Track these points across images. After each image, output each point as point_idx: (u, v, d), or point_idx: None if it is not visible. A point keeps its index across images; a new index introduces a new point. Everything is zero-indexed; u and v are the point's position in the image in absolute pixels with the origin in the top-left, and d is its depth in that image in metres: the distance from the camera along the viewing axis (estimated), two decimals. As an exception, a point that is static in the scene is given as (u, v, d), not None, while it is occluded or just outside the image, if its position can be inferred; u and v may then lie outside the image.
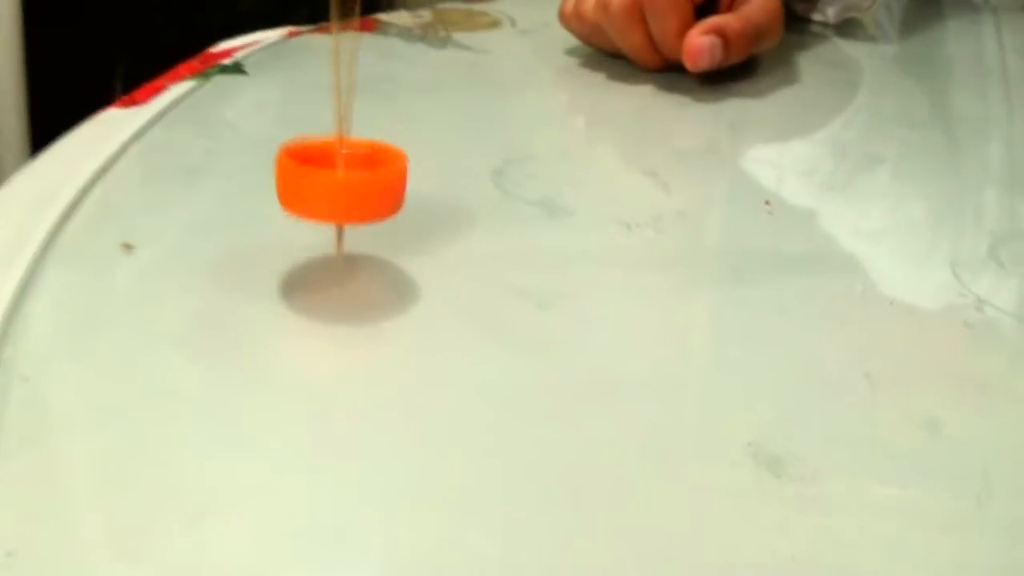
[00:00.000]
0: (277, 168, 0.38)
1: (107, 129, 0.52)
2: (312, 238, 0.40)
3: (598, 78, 0.63)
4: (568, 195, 0.47)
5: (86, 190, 0.46)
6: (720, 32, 0.60)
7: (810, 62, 0.69)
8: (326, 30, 0.70)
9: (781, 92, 0.63)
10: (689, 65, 0.60)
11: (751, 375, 0.36)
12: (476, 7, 0.75)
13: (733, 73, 0.63)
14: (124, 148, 0.50)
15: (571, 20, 0.65)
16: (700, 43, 0.60)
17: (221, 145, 0.52)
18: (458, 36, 0.69)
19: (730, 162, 0.55)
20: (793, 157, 0.56)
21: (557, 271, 0.42)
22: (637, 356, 0.37)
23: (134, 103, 0.57)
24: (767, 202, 0.48)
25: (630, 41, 0.62)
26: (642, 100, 0.60)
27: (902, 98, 0.68)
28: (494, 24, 0.72)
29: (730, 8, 0.63)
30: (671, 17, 0.60)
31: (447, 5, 0.75)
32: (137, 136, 0.51)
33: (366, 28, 0.70)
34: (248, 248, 0.42)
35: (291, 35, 0.69)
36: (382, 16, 0.72)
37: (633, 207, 0.47)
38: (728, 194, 0.50)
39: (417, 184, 0.39)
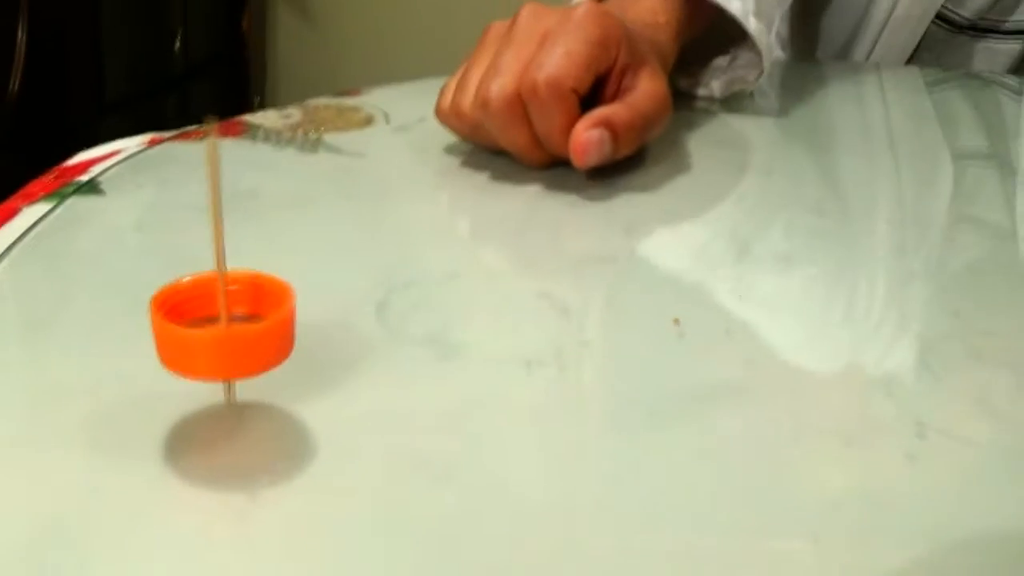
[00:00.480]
0: (153, 326, 0.34)
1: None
2: (190, 389, 0.36)
3: (481, 179, 0.59)
4: (458, 328, 0.43)
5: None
6: (608, 125, 0.57)
7: (699, 143, 0.67)
8: (189, 136, 0.65)
9: (673, 182, 0.61)
10: (577, 162, 0.57)
11: (683, 544, 0.33)
12: (347, 101, 0.71)
13: (623, 164, 0.60)
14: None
15: (449, 117, 0.61)
16: (587, 139, 0.56)
17: (75, 287, 0.47)
18: (330, 137, 0.65)
19: (629, 272, 0.51)
20: (693, 259, 0.53)
21: (453, 429, 0.38)
22: (549, 531, 0.33)
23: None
24: (675, 320, 0.45)
25: (513, 139, 0.58)
26: (529, 203, 0.57)
27: (793, 173, 0.66)
28: (367, 121, 0.68)
29: (616, 95, 0.60)
30: (555, 112, 0.56)
31: (317, 101, 0.71)
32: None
33: (232, 132, 0.66)
34: (116, 412, 0.38)
35: (152, 143, 0.65)
36: (248, 117, 0.68)
37: (530, 339, 0.43)
38: (632, 313, 0.47)
39: (297, 322, 0.35)
